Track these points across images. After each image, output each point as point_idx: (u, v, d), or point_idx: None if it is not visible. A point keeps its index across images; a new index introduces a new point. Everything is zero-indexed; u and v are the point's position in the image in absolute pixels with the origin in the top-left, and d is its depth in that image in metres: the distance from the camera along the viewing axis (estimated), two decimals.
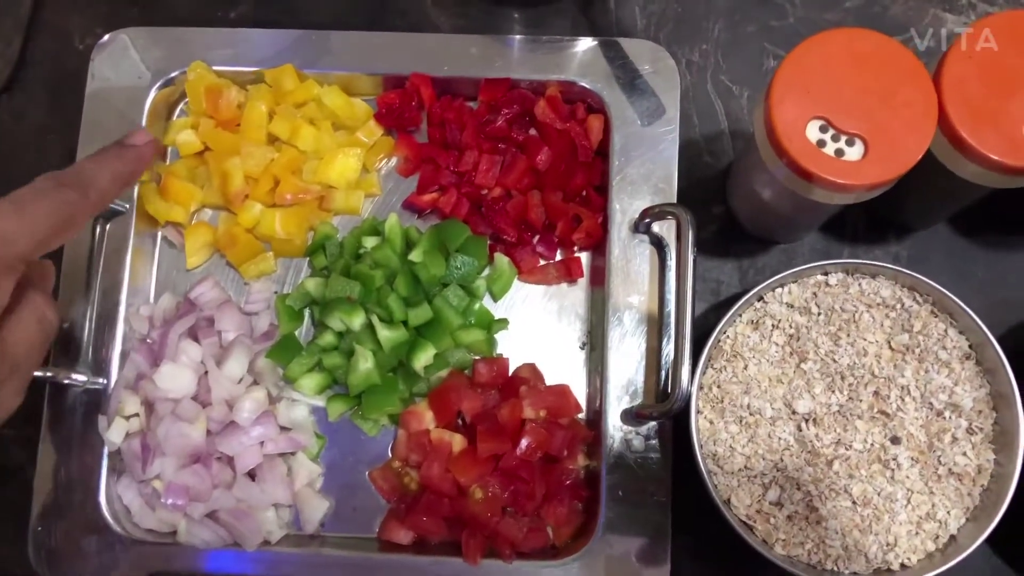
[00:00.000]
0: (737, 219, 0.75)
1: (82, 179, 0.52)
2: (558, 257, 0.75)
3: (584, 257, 0.75)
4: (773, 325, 0.67)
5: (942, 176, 0.61)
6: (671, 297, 0.69)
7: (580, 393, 0.72)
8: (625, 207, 0.72)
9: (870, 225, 0.75)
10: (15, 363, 0.48)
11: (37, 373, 0.66)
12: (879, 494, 0.64)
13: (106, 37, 0.76)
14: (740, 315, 0.67)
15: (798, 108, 0.56)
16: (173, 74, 0.75)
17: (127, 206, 0.74)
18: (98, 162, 0.55)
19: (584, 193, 0.74)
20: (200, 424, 0.67)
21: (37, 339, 0.50)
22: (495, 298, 0.74)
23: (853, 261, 0.66)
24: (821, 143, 0.56)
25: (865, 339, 0.66)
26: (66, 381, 0.69)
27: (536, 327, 0.74)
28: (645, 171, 0.72)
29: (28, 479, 0.70)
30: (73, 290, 0.72)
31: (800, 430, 0.65)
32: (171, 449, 0.67)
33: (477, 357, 0.72)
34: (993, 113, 0.56)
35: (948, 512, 0.64)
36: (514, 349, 0.73)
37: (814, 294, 0.67)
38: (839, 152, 0.56)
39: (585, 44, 0.75)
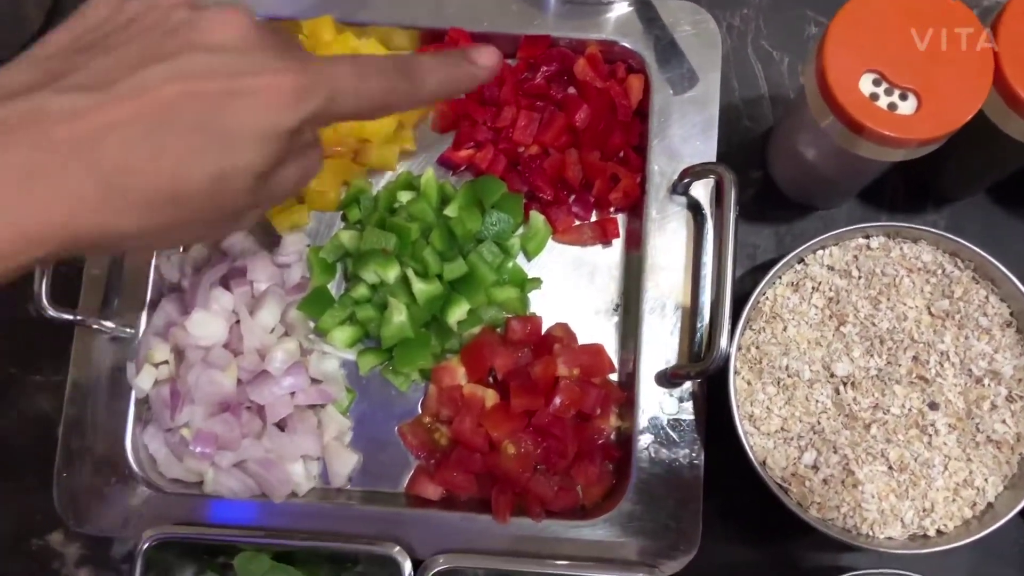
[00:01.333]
0: (776, 184, 0.74)
1: (417, 74, 0.52)
2: (593, 218, 0.74)
3: (620, 219, 0.74)
4: (813, 287, 0.66)
5: (992, 137, 0.60)
6: (708, 260, 0.69)
7: (613, 356, 0.72)
8: (663, 168, 0.71)
9: (908, 194, 0.74)
10: (271, 196, 0.49)
11: (67, 316, 0.66)
12: (916, 460, 0.63)
13: None
14: (780, 277, 0.67)
15: (852, 60, 0.55)
16: None
17: None
18: (437, 63, 0.54)
19: (622, 153, 0.74)
20: (231, 372, 0.67)
21: (295, 183, 0.50)
22: (529, 257, 0.73)
23: (895, 224, 0.66)
24: (874, 96, 0.55)
25: (905, 304, 0.65)
26: (95, 326, 0.68)
27: (569, 288, 0.73)
28: (684, 133, 0.72)
29: (53, 426, 0.69)
30: None
31: (838, 393, 0.64)
32: (201, 397, 0.66)
33: (510, 315, 0.71)
34: None
35: (986, 479, 0.63)
36: (547, 309, 0.73)
37: (855, 257, 0.67)
38: (892, 106, 0.55)
39: (625, 4, 0.74)
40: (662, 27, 0.73)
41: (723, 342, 0.63)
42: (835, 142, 0.59)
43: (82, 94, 0.41)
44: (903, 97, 0.55)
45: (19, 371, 0.73)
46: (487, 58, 0.55)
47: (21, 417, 0.73)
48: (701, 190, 0.71)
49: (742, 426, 0.63)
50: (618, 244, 0.74)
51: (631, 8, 0.74)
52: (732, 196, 0.65)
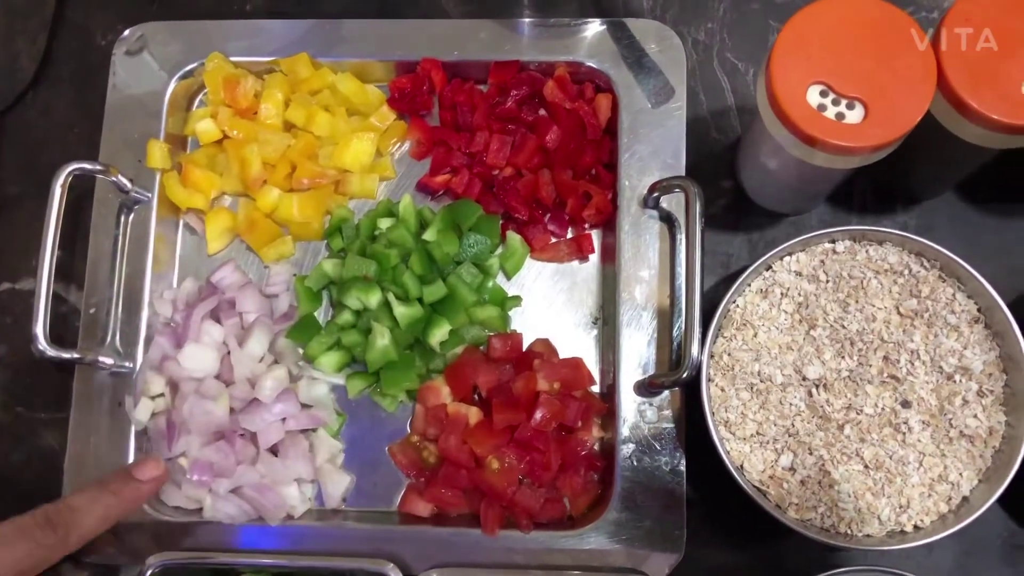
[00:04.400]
0: (746, 193, 0.76)
1: (69, 520, 0.55)
2: (569, 235, 0.76)
3: (595, 235, 0.76)
4: (782, 293, 0.68)
5: (945, 140, 0.61)
6: (681, 270, 0.71)
7: (593, 368, 0.74)
8: (634, 183, 0.73)
9: (878, 196, 0.76)
10: None
11: (66, 355, 0.69)
12: (891, 457, 0.64)
13: (127, 32, 0.79)
14: (749, 284, 0.68)
15: (798, 73, 0.57)
16: (192, 66, 0.78)
17: (149, 195, 0.76)
18: (93, 498, 0.57)
19: (594, 171, 0.76)
20: (223, 401, 0.69)
21: None
22: (508, 276, 0.75)
23: (860, 228, 0.67)
24: (822, 107, 0.57)
25: (873, 305, 0.66)
26: (94, 363, 0.71)
27: (549, 304, 0.75)
28: (653, 148, 0.74)
29: (59, 461, 0.72)
30: (98, 277, 0.74)
31: (811, 396, 0.66)
32: (196, 426, 0.69)
33: (491, 333, 0.73)
34: (992, 73, 0.57)
35: (960, 474, 0.64)
36: (528, 326, 0.75)
37: (822, 262, 0.68)
38: (840, 116, 0.57)
39: (592, 25, 0.76)
40: (628, 46, 0.75)
41: (695, 351, 0.65)
42: (792, 153, 0.61)
43: None
44: (850, 106, 0.57)
45: (24, 410, 0.76)
46: (150, 470, 0.60)
47: (28, 454, 0.76)
48: (673, 202, 0.72)
49: (717, 432, 0.64)
50: (594, 259, 0.76)
51: (599, 28, 0.76)
52: (697, 208, 0.67)
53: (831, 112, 0.57)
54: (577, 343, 0.74)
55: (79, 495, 0.58)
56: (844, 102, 0.57)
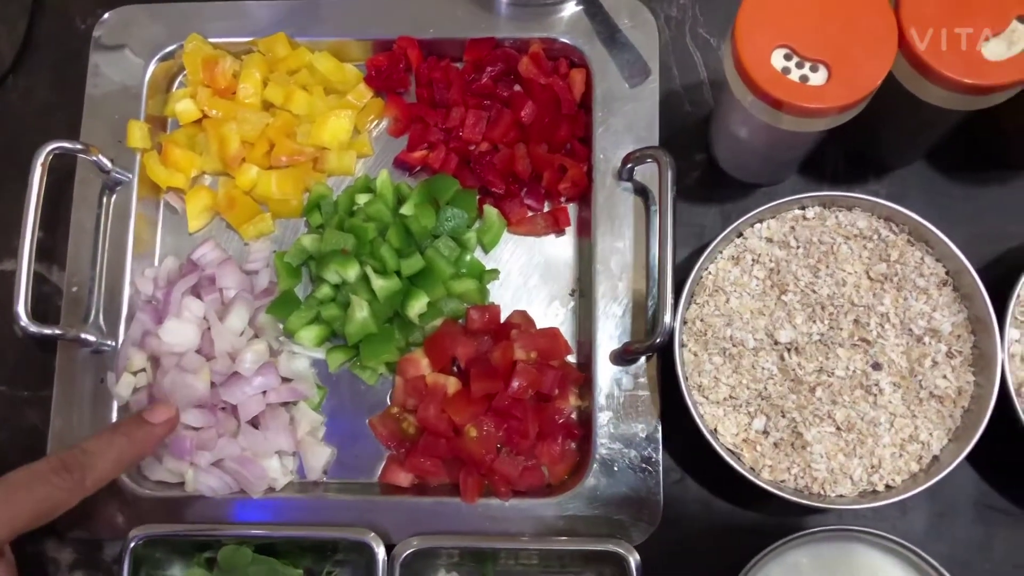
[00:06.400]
0: (719, 165, 0.77)
1: (84, 463, 0.57)
2: (546, 208, 0.77)
3: (571, 209, 0.77)
4: (753, 260, 0.69)
5: (910, 104, 0.62)
6: (655, 240, 0.72)
7: (571, 339, 0.75)
8: (609, 156, 0.74)
9: (849, 166, 0.77)
10: None
11: (48, 331, 0.70)
12: (862, 419, 0.65)
13: (106, 16, 0.80)
14: (721, 251, 0.69)
15: (763, 38, 0.58)
16: (171, 48, 0.79)
17: (130, 175, 0.77)
18: (107, 442, 0.59)
19: (569, 145, 0.77)
20: (204, 375, 0.70)
21: None
22: (486, 249, 0.76)
23: (829, 194, 0.68)
24: (786, 71, 0.58)
25: (844, 270, 0.68)
26: (76, 340, 0.71)
27: (526, 277, 0.76)
28: (627, 121, 0.75)
29: (42, 439, 0.72)
30: (80, 256, 0.75)
31: (783, 359, 0.67)
32: (177, 400, 0.69)
33: (470, 306, 0.74)
34: (951, 34, 0.58)
35: (931, 433, 0.66)
36: (505, 298, 0.76)
37: (792, 228, 0.69)
38: (804, 78, 0.58)
39: (567, 2, 0.77)
40: (601, 21, 0.76)
41: (667, 317, 0.66)
42: (760, 119, 0.62)
43: None
44: (814, 69, 0.58)
45: (7, 389, 0.77)
46: (161, 414, 0.63)
47: (11, 432, 0.76)
48: (648, 175, 0.73)
49: (691, 396, 0.65)
50: (571, 232, 0.77)
51: (573, 4, 0.77)
52: (669, 177, 0.68)
53: (795, 75, 0.58)
54: (555, 315, 0.75)
55: (94, 440, 0.59)
56: (808, 65, 0.58)
